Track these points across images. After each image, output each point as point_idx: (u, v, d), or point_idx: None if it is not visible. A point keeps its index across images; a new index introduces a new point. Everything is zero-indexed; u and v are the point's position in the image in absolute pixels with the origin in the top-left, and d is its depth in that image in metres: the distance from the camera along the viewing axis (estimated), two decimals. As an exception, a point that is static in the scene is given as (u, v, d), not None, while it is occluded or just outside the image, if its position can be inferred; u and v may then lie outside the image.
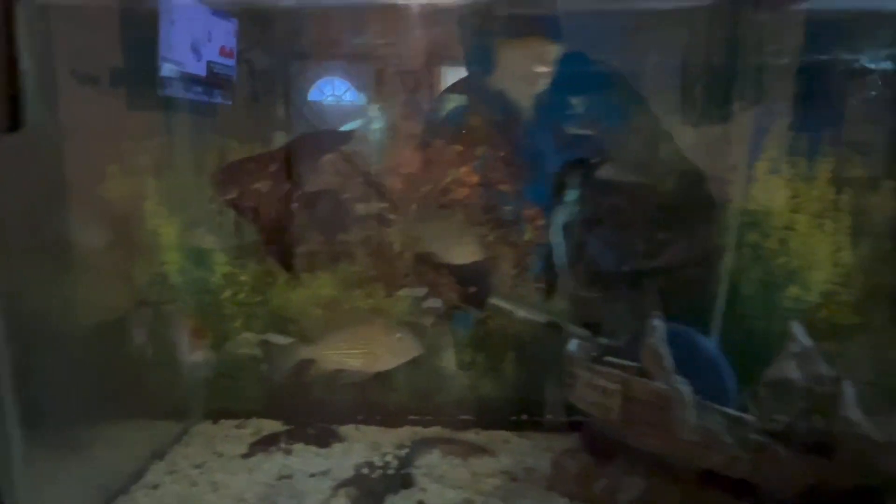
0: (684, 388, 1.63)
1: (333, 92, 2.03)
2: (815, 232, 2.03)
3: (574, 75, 2.10)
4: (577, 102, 2.12)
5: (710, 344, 1.92)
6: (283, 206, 1.50)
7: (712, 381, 1.81)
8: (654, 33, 1.99)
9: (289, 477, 1.74)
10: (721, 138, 2.06)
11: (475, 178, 2.17)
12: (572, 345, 1.83)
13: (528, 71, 1.63)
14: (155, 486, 1.70)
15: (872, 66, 1.89)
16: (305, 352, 1.81)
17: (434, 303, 2.21)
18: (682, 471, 1.63)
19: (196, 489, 1.69)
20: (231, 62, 1.65)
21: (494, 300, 2.13)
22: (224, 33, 1.62)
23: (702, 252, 2.12)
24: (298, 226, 1.54)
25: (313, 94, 2.03)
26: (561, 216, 1.60)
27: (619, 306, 2.19)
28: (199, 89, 1.57)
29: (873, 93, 1.89)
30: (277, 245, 1.64)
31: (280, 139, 1.97)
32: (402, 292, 2.18)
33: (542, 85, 1.70)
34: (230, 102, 1.70)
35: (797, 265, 2.05)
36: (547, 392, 2.18)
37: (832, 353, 1.91)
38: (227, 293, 2.14)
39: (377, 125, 2.13)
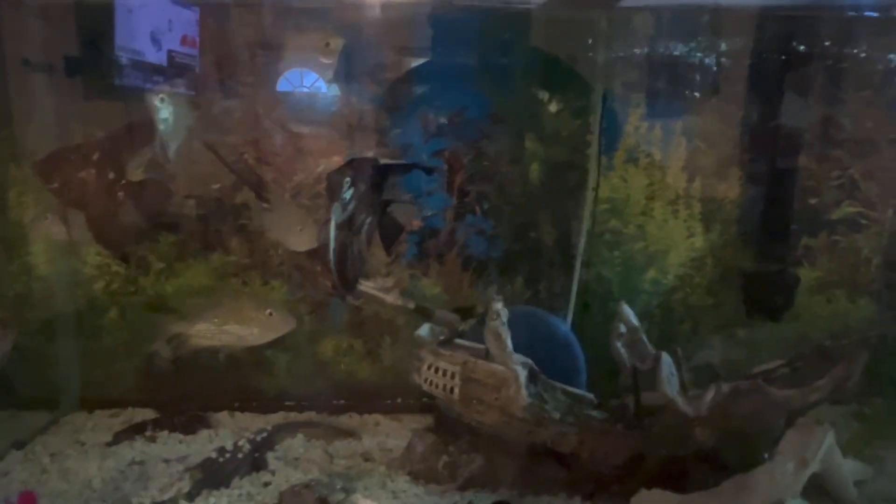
0: (519, 368, 1.69)
1: (302, 82, 2.03)
2: (670, 218, 2.12)
3: (441, 67, 2.16)
4: (444, 93, 2.17)
5: (562, 325, 2.00)
6: (109, 195, 1.52)
7: (562, 361, 1.89)
8: (504, 31, 2.05)
9: (141, 463, 1.77)
10: (581, 128, 2.13)
11: (347, 168, 2.21)
12: (423, 329, 1.88)
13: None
14: (4, 475, 1.72)
15: (708, 59, 1.98)
16: (178, 326, 1.84)
17: (310, 290, 2.26)
18: (517, 446, 1.70)
19: (45, 476, 1.71)
20: (193, 52, 1.63)
21: (365, 287, 2.17)
22: (185, 22, 1.60)
23: (564, 238, 2.19)
24: (128, 214, 1.56)
25: (282, 85, 2.04)
26: (336, 214, 1.62)
27: (488, 291, 2.27)
28: (160, 79, 1.53)
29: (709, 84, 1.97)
30: (109, 235, 1.66)
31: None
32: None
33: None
34: (193, 93, 1.69)
35: (654, 250, 2.14)
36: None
37: (674, 334, 2.02)
38: (100, 284, 2.15)
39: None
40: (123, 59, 1.42)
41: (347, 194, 1.64)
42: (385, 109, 2.18)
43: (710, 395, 1.59)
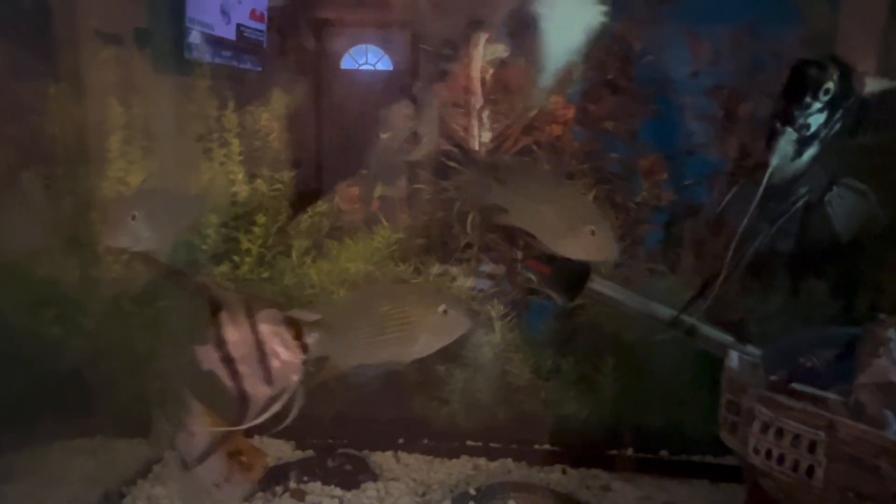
0: (942, 444, 0.98)
1: (367, 61, 1.73)
2: None
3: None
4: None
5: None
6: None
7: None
8: None
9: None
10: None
11: (570, 112, 1.53)
12: (733, 359, 1.19)
13: None
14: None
15: None
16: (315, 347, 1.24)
17: (505, 285, 1.61)
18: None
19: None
20: (262, 26, 1.58)
21: (596, 283, 1.50)
22: None
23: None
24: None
25: (346, 63, 1.73)
26: (782, 152, 0.98)
27: (774, 299, 1.55)
28: (228, 54, 1.52)
29: None
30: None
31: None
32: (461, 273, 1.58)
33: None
34: (260, 69, 1.60)
35: None
36: (664, 417, 1.55)
37: None
38: (224, 267, 1.56)
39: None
40: (194, 31, 1.41)
41: (814, 119, 0.98)
42: (634, 23, 1.48)
43: None
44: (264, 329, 1.00)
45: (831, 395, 1.12)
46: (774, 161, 1.00)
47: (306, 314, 1.47)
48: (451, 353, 1.64)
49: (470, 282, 1.59)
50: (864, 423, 1.03)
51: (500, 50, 1.52)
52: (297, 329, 1.02)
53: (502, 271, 1.60)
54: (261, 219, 1.53)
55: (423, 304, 1.27)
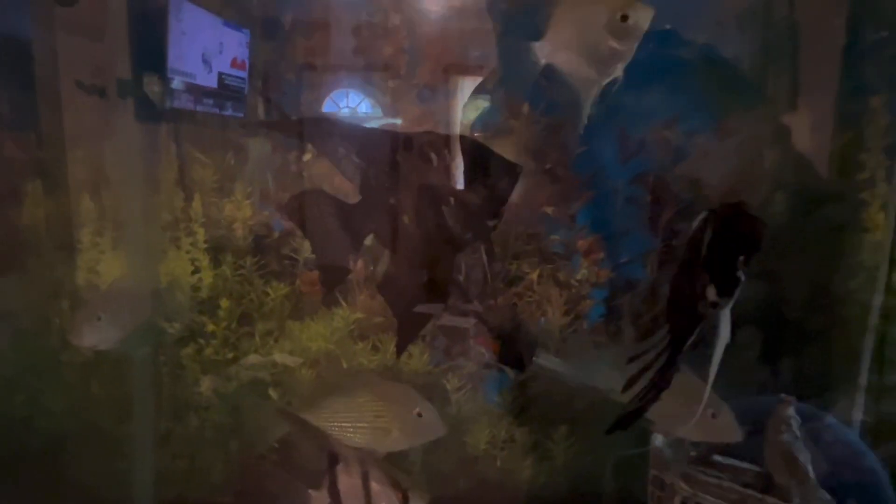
0: (840, 514, 1.08)
1: (348, 104, 1.78)
2: None
3: (647, 59, 1.59)
4: (650, 96, 1.60)
5: (854, 438, 1.36)
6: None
7: (866, 498, 1.25)
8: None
9: None
10: (851, 143, 1.53)
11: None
12: (657, 437, 1.29)
13: (602, 38, 1.06)
14: None
15: None
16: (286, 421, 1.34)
17: (460, 360, 1.70)
18: None
19: None
20: (243, 74, 1.61)
21: (542, 359, 1.60)
22: (236, 44, 1.58)
23: (820, 295, 1.57)
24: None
25: (327, 106, 1.78)
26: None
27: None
28: (210, 101, 1.53)
29: None
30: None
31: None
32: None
33: (618, 61, 1.13)
34: (242, 115, 1.64)
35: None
36: (616, 482, 1.63)
37: None
38: (189, 349, 1.63)
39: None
40: (175, 81, 1.42)
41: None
42: (564, 120, 1.62)
43: None
44: (375, 487, 1.16)
45: (749, 467, 1.22)
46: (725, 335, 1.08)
47: (291, 358, 1.59)
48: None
49: (426, 357, 1.68)
50: (772, 495, 1.13)
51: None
52: (403, 494, 1.16)
53: (457, 346, 1.70)
54: (225, 303, 1.63)
55: (399, 403, 1.37)
